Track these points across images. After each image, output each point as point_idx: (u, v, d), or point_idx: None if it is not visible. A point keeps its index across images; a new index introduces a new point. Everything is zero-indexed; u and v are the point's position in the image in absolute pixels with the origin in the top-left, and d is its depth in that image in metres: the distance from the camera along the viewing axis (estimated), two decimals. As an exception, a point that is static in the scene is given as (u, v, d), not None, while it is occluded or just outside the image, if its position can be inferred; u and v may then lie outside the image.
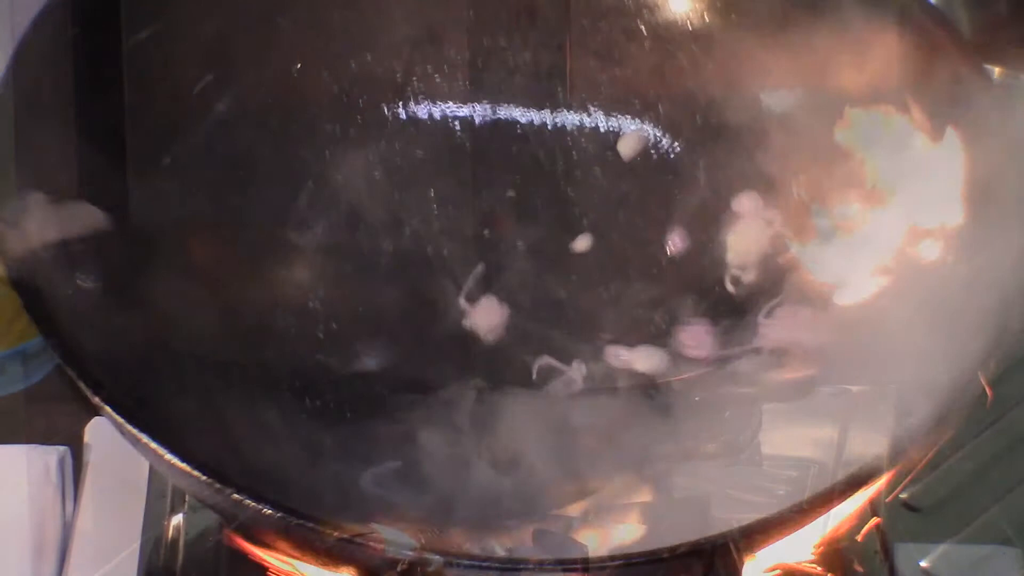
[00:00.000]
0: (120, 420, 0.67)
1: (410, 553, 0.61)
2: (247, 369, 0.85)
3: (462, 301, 0.91)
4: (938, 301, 0.74)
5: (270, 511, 0.61)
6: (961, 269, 0.75)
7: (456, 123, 1.00)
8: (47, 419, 0.95)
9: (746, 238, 0.91)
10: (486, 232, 0.96)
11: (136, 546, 0.85)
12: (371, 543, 0.61)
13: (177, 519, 0.87)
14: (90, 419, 0.91)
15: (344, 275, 0.93)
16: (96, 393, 0.68)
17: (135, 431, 0.66)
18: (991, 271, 0.72)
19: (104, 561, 0.85)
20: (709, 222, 0.94)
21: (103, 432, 0.90)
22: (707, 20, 0.97)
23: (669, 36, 0.98)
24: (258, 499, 0.62)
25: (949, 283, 0.75)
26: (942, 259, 0.78)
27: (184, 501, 0.87)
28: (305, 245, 0.94)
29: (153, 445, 0.66)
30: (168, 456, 0.65)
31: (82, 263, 0.80)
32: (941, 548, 0.86)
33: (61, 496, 0.88)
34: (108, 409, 0.67)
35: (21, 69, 0.79)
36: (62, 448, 0.90)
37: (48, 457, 0.89)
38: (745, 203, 0.93)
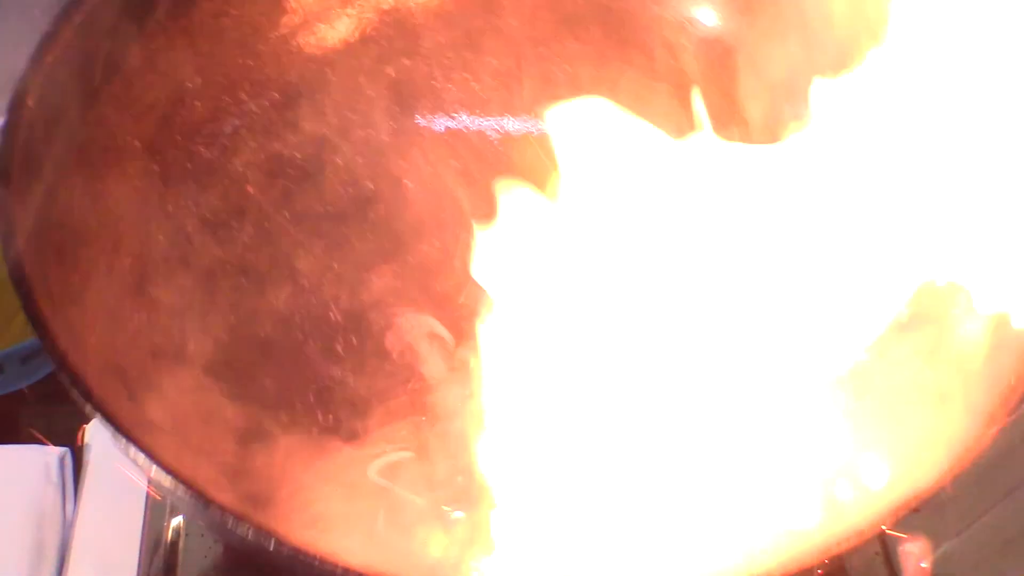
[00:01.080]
0: (111, 428, 0.67)
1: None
2: (259, 383, 0.85)
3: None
4: None
5: (254, 532, 0.61)
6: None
7: (493, 132, 0.99)
8: (47, 419, 0.95)
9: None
10: None
11: (136, 546, 0.86)
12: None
13: (177, 520, 0.87)
14: (90, 419, 0.91)
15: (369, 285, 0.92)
16: (87, 400, 0.68)
17: (125, 440, 0.66)
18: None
19: (104, 561, 0.85)
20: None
21: (103, 432, 0.89)
22: (740, 32, 0.96)
23: (708, 49, 0.96)
24: (239, 517, 0.61)
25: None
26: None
27: (184, 501, 0.88)
28: (331, 250, 0.93)
29: (142, 456, 0.66)
30: (157, 469, 0.65)
31: (84, 265, 0.80)
32: (941, 548, 0.86)
33: (61, 496, 0.89)
34: (98, 416, 0.67)
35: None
36: (62, 448, 0.90)
37: (48, 457, 0.89)
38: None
